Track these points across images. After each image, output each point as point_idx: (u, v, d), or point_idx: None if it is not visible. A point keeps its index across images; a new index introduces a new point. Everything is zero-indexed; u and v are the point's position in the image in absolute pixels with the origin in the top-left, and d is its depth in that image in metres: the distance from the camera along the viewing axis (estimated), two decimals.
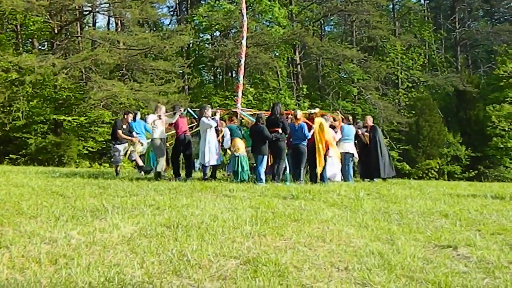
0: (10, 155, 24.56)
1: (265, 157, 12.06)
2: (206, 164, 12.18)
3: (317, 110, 13.26)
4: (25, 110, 25.17)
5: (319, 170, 12.16)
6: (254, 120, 12.69)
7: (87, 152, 26.52)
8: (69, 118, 26.14)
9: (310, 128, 12.31)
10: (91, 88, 25.06)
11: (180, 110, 12.70)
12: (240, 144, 12.27)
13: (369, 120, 14.88)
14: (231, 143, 12.33)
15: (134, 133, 13.80)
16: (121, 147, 13.59)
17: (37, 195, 8.30)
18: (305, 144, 12.18)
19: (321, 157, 12.16)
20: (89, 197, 8.10)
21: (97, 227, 5.76)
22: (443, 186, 13.06)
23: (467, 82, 37.59)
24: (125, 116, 13.93)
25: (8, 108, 25.36)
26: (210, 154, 12.07)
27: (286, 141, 12.25)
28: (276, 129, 12.06)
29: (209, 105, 13.79)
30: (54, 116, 25.72)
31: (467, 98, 37.99)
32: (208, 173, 12.50)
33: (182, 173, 12.60)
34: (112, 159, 15.63)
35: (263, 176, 11.89)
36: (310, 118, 12.64)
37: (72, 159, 24.77)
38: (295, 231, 5.78)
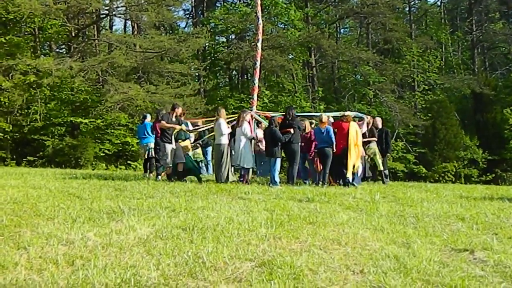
0: (28, 157, 24.76)
1: (278, 159, 12.12)
2: (241, 166, 12.37)
3: (349, 113, 13.19)
4: (42, 113, 25.37)
5: (349, 174, 12.16)
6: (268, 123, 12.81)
7: (104, 154, 26.68)
8: (86, 121, 26.34)
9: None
10: (107, 90, 25.23)
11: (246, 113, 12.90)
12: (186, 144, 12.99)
13: (379, 122, 14.83)
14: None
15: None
16: (169, 147, 12.45)
17: (54, 197, 8.38)
18: (331, 147, 12.22)
19: (352, 161, 12.17)
20: (105, 199, 8.15)
21: (113, 229, 5.80)
22: (460, 189, 12.97)
23: (484, 85, 37.18)
24: (175, 110, 13.09)
25: (26, 110, 25.60)
26: (243, 157, 12.15)
27: (299, 144, 12.30)
28: (288, 130, 12.10)
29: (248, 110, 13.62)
30: (71, 119, 25.94)
31: (484, 100, 37.62)
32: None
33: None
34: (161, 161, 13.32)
35: (277, 179, 11.93)
36: (343, 121, 12.57)
37: (89, 161, 24.94)
38: (311, 234, 5.78)
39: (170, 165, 12.49)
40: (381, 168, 14.10)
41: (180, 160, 12.54)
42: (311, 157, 12.91)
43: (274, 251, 5.03)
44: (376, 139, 14.01)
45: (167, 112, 13.16)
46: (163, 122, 12.40)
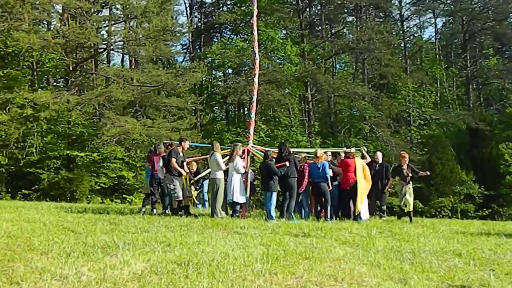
0: (23, 190, 24.65)
1: (274, 193, 12.11)
2: (235, 201, 12.32)
3: (353, 150, 13.27)
4: (38, 146, 25.40)
5: (358, 208, 12.29)
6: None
7: (99, 188, 26.61)
8: (82, 154, 26.35)
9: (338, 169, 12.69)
10: (104, 124, 25.32)
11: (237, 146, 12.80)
12: None
13: (380, 157, 14.87)
14: None
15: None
16: (177, 181, 12.45)
17: (48, 231, 8.32)
18: (326, 182, 12.26)
19: (361, 196, 12.28)
20: (100, 233, 8.09)
21: (108, 263, 5.75)
22: (456, 224, 12.94)
23: (479, 120, 37.46)
24: (182, 144, 13.15)
25: (22, 143, 25.61)
26: (236, 192, 12.14)
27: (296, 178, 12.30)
28: (283, 163, 12.13)
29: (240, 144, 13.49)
30: (67, 152, 25.92)
31: (479, 135, 37.79)
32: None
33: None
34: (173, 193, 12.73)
35: (273, 213, 11.90)
36: (349, 158, 12.67)
37: (84, 195, 24.84)
38: (307, 270, 5.73)
39: (181, 198, 12.53)
40: (410, 209, 13.55)
41: (179, 198, 12.60)
42: (302, 191, 12.90)
43: (270, 287, 4.99)
44: (424, 174, 14.61)
45: (176, 146, 13.12)
46: (173, 160, 12.39)
